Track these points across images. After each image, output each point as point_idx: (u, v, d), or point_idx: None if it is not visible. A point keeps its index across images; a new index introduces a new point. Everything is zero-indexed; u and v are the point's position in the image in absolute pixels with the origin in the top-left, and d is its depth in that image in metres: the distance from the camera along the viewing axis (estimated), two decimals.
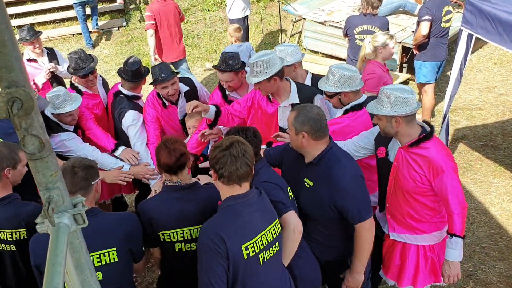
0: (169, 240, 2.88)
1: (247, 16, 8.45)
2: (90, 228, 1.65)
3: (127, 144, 4.28)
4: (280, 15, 9.35)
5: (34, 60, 5.55)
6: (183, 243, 2.91)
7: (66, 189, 1.44)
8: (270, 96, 3.85)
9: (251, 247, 2.41)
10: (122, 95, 4.33)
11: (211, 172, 2.52)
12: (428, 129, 3.03)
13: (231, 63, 4.01)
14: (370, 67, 4.76)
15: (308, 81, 4.16)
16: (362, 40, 5.89)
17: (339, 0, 9.03)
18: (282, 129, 3.78)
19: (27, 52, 5.56)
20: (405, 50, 7.50)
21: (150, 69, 4.30)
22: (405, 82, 7.66)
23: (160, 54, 7.26)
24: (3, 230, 2.92)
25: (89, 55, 4.40)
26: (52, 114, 3.95)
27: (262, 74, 3.53)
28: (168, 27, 7.07)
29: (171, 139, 2.98)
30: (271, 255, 2.53)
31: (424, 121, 3.14)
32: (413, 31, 7.11)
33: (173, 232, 2.86)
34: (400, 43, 7.44)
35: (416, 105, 2.94)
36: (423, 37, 6.17)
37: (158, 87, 4.13)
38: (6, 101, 1.20)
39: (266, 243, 2.49)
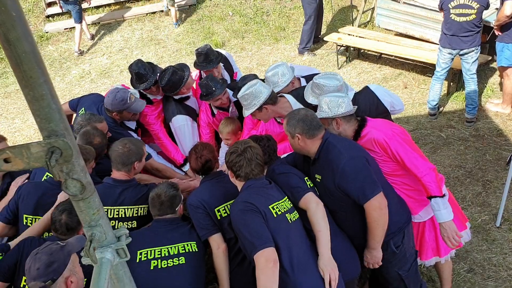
0: (226, 214, 3.11)
1: None
2: (177, 232, 3.05)
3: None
4: None
5: None
6: None
7: (109, 225, 1.48)
8: (277, 119, 3.88)
9: (277, 207, 2.77)
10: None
11: (227, 171, 2.96)
12: (359, 118, 3.28)
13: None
14: None
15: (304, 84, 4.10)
16: (457, 15, 5.69)
17: None
18: None
19: None
20: (486, 29, 6.93)
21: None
22: (486, 64, 7.15)
23: None
24: (130, 207, 3.27)
25: (149, 63, 4.39)
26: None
27: (251, 106, 3.65)
28: None
29: (201, 145, 3.44)
30: (296, 217, 2.86)
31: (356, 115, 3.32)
32: (496, 9, 6.55)
33: (226, 205, 3.13)
34: None
35: (352, 108, 3.23)
36: (507, 18, 5.66)
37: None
38: (46, 151, 1.24)
39: (287, 208, 2.84)
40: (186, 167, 4.33)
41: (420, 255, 3.45)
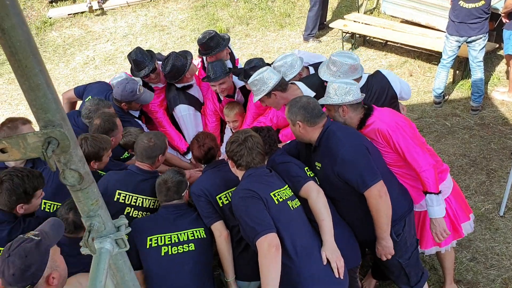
0: (227, 202, 3.13)
1: None
2: (185, 218, 3.09)
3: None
4: None
5: None
6: None
7: (109, 215, 1.48)
8: None
9: (278, 195, 2.78)
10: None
11: (228, 160, 2.96)
12: (366, 107, 3.26)
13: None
14: None
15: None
16: (466, 1, 5.61)
17: None
18: None
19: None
20: (494, 17, 6.83)
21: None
22: (492, 52, 7.06)
23: None
24: (148, 197, 3.33)
25: (148, 51, 4.35)
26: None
27: (260, 92, 3.64)
28: None
29: (203, 134, 3.51)
30: (298, 205, 2.87)
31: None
32: None
33: (228, 193, 3.15)
34: None
35: (360, 96, 3.17)
36: None
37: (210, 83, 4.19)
38: (42, 141, 1.23)
39: (288, 195, 2.85)
40: (189, 155, 4.33)
41: (421, 243, 3.46)
